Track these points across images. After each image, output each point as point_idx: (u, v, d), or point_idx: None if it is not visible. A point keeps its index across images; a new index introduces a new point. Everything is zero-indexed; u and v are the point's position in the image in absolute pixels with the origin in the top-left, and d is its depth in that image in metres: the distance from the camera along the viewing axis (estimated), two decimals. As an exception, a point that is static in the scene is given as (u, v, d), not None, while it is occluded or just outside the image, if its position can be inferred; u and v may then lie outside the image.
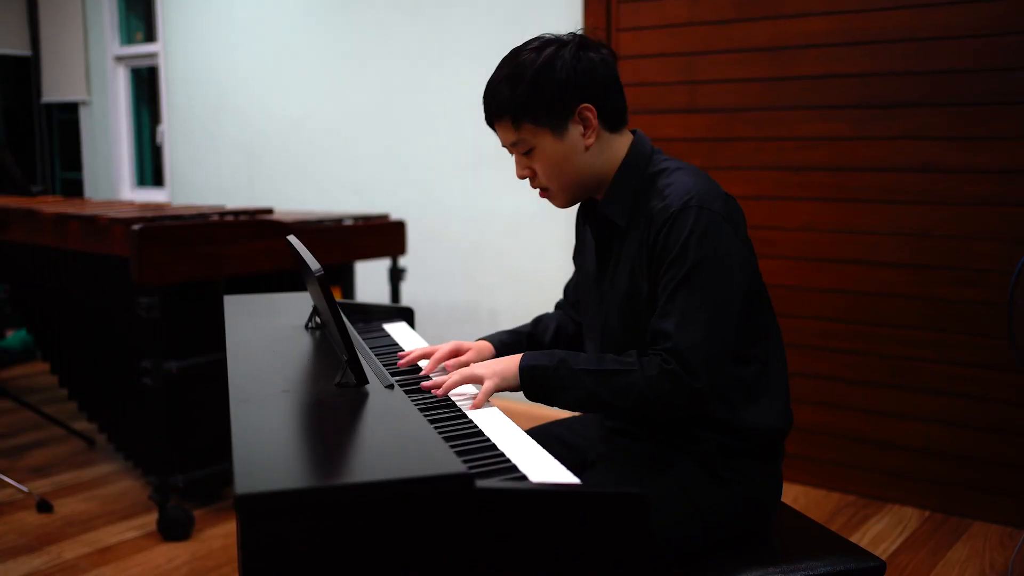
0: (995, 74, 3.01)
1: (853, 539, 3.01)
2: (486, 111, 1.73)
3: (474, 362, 1.82)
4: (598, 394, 1.62)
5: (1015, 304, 2.54)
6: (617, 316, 1.76)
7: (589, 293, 1.87)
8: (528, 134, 1.69)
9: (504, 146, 1.75)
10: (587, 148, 1.70)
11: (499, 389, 1.66)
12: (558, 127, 1.68)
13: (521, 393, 1.68)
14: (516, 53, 1.71)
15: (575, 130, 1.69)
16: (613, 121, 1.72)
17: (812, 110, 3.34)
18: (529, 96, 1.66)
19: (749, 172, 3.50)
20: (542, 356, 1.67)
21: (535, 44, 1.70)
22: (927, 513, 3.23)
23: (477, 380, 1.67)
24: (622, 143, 1.75)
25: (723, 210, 1.62)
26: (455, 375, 1.67)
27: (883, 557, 2.89)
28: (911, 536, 3.05)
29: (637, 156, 1.74)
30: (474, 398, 1.65)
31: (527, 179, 1.77)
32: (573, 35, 1.71)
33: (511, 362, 1.68)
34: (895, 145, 3.20)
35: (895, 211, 3.22)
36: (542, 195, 1.78)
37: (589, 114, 1.68)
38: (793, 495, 3.38)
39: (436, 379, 1.71)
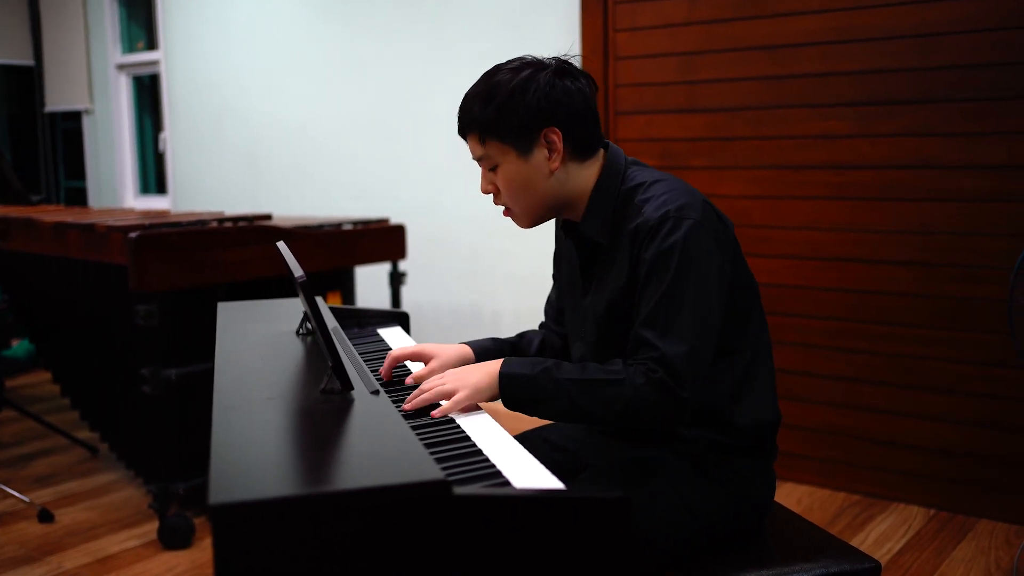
0: (994, 69, 2.98)
1: (858, 539, 3.00)
2: (458, 123, 1.73)
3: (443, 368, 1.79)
4: (581, 404, 1.59)
5: (1015, 300, 2.51)
6: (597, 332, 1.75)
7: (574, 309, 1.86)
8: (493, 151, 1.70)
9: (473, 159, 1.75)
10: (551, 173, 1.70)
11: (472, 401, 1.62)
12: (523, 148, 1.67)
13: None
14: (494, 71, 1.71)
15: (540, 154, 1.68)
16: (582, 149, 1.71)
17: (812, 108, 3.32)
18: (498, 115, 1.66)
19: (749, 171, 3.48)
20: (523, 364, 1.64)
21: (515, 64, 1.70)
22: (932, 511, 3.20)
23: (449, 396, 1.62)
24: (591, 169, 1.74)
25: (700, 217, 1.61)
26: (429, 394, 1.62)
27: (888, 556, 2.87)
28: (916, 535, 3.03)
29: (611, 174, 1.73)
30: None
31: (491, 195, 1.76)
32: (555, 60, 1.71)
33: (489, 371, 1.64)
34: (895, 142, 3.18)
35: (897, 208, 3.20)
36: (505, 214, 1.78)
37: (555, 137, 1.67)
38: (797, 495, 3.36)
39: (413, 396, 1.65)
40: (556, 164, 1.69)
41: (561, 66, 1.69)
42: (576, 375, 1.60)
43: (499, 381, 1.62)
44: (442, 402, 1.62)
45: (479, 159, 1.73)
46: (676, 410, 1.56)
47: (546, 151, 1.68)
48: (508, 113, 1.65)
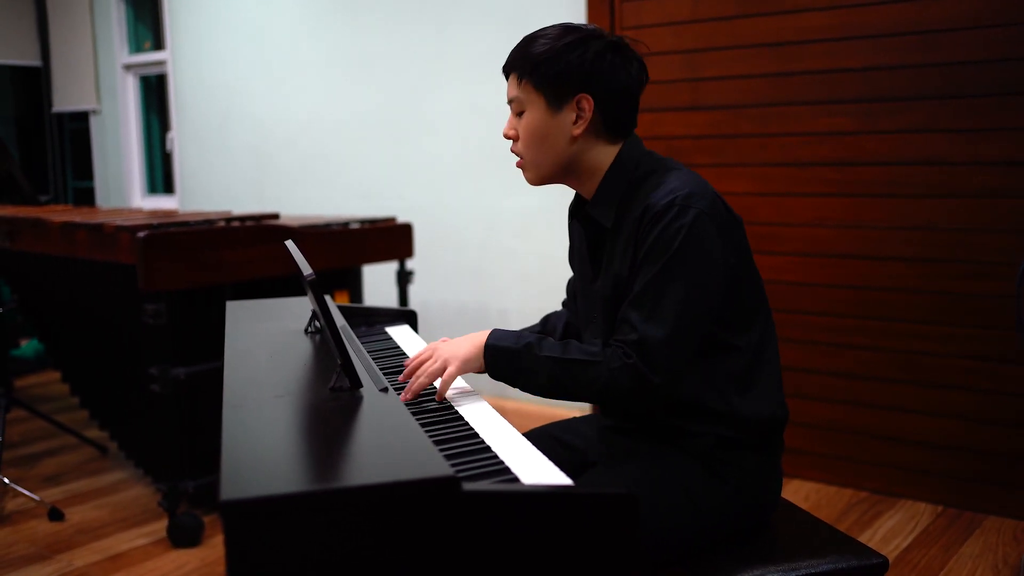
0: (999, 65, 2.98)
1: (865, 535, 3.00)
2: (507, 60, 1.77)
3: None
4: (560, 381, 1.64)
5: (1022, 301, 2.51)
6: (604, 316, 1.76)
7: (585, 295, 1.87)
8: (525, 94, 1.73)
9: (507, 100, 1.78)
10: (573, 139, 1.72)
11: (463, 372, 1.68)
12: (554, 102, 1.70)
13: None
14: (561, 26, 1.74)
15: (568, 115, 1.70)
16: (610, 128, 1.73)
17: (816, 105, 3.32)
18: (541, 62, 1.69)
19: (755, 168, 3.48)
20: (508, 337, 1.69)
21: (580, 25, 1.73)
22: (940, 508, 3.20)
23: (442, 371, 1.68)
24: (611, 151, 1.75)
25: (708, 208, 1.61)
26: (423, 378, 1.67)
27: (896, 553, 2.88)
28: (924, 532, 3.03)
29: (626, 159, 1.74)
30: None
31: (510, 141, 1.79)
32: (618, 37, 1.74)
33: (475, 342, 1.70)
34: (900, 139, 3.18)
35: (901, 205, 3.20)
36: (518, 164, 1.81)
37: (586, 104, 1.69)
38: (805, 492, 3.36)
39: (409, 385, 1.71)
40: (579, 131, 1.71)
41: (617, 42, 1.72)
42: (556, 353, 1.64)
43: (484, 352, 1.68)
44: (435, 383, 1.68)
45: (511, 101, 1.76)
46: (648, 396, 1.60)
47: (574, 115, 1.70)
48: (552, 63, 1.68)
